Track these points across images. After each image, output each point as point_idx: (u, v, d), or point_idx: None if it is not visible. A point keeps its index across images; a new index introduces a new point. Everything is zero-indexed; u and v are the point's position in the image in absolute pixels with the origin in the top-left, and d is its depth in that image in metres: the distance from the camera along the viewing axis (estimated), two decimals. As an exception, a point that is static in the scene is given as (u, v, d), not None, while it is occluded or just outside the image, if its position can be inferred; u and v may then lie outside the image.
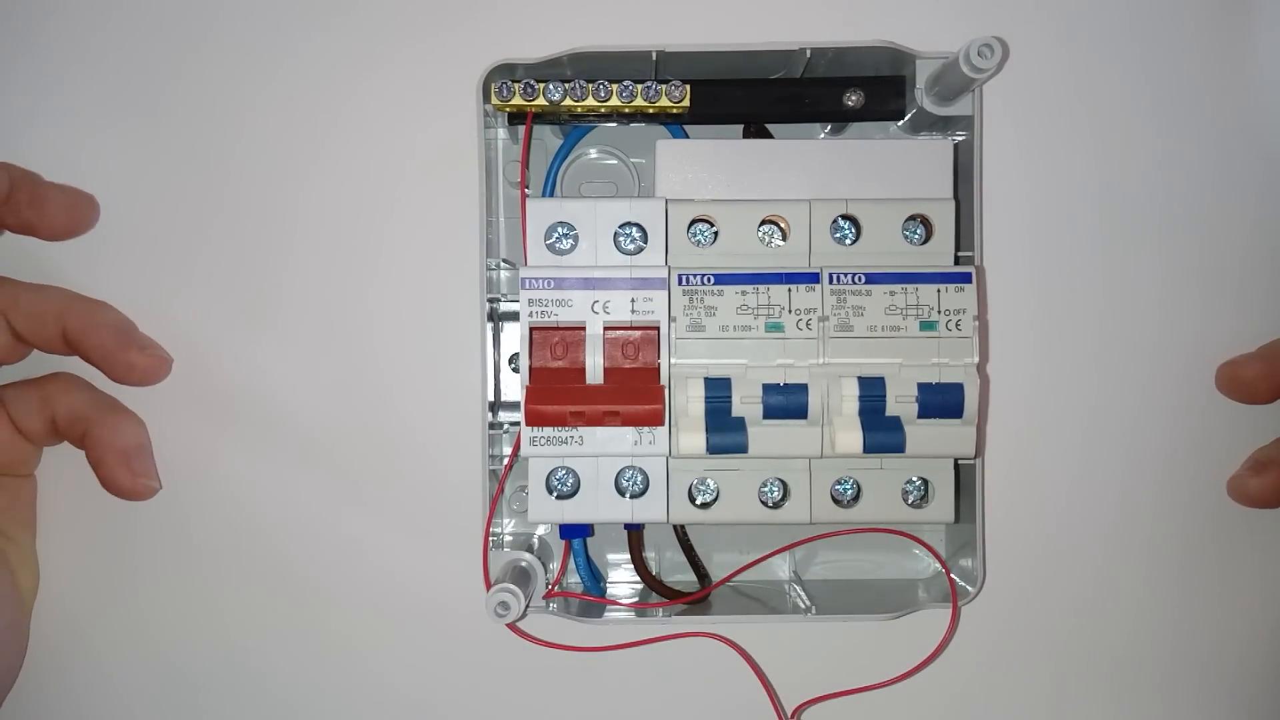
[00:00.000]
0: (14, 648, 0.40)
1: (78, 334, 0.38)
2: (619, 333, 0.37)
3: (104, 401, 0.39)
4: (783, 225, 0.38)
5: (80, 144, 0.41)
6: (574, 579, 0.41)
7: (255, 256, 0.41)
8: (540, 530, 0.42)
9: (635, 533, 0.40)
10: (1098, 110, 0.42)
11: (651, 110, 0.38)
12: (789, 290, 0.37)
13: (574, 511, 0.38)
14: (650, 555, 0.42)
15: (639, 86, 0.37)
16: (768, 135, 0.40)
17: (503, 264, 0.41)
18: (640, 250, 0.38)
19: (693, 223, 0.38)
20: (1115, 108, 0.42)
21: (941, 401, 0.37)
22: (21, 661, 0.40)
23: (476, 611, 0.38)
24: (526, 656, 0.40)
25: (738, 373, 0.37)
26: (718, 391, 0.37)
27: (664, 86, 0.38)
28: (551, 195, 0.40)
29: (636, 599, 0.41)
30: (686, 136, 0.40)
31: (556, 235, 0.38)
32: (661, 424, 0.37)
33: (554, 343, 0.37)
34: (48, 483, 0.41)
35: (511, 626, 0.38)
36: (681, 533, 0.41)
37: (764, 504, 0.38)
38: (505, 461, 0.39)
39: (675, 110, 0.38)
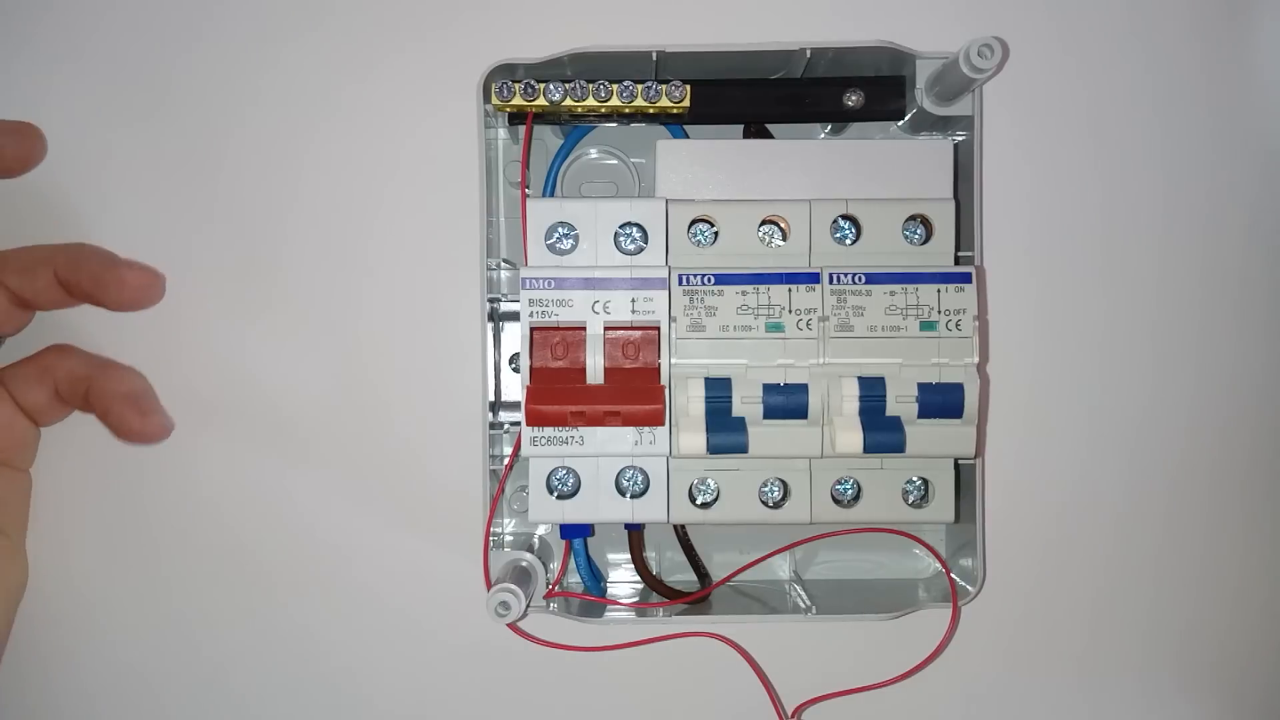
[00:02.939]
0: None
1: (68, 272, 0.38)
2: (619, 333, 0.37)
3: (101, 360, 0.40)
4: (783, 225, 0.38)
5: (82, 138, 0.41)
6: (574, 579, 0.41)
7: (255, 256, 0.41)
8: (541, 530, 0.42)
9: (636, 533, 0.40)
10: (1097, 110, 0.42)
11: (652, 110, 0.38)
12: (789, 290, 0.37)
13: (574, 511, 0.38)
14: (650, 555, 0.42)
15: (639, 86, 0.37)
16: (768, 135, 0.40)
17: (503, 264, 0.41)
18: (640, 250, 0.38)
19: (693, 223, 0.38)
20: (1115, 107, 0.42)
21: (941, 401, 0.37)
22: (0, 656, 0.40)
23: (477, 611, 0.38)
24: (527, 656, 0.40)
25: (738, 373, 0.37)
26: (718, 391, 0.37)
27: (664, 86, 0.38)
28: (552, 195, 0.40)
29: (637, 599, 0.41)
30: (687, 136, 0.40)
31: (557, 235, 0.38)
32: (662, 424, 0.37)
33: (554, 343, 0.37)
34: (45, 483, 0.41)
35: (512, 626, 0.38)
36: (682, 533, 0.41)
37: (764, 504, 0.39)
38: (506, 461, 0.39)
39: (675, 110, 0.38)
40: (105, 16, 0.41)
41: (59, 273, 0.38)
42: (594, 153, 0.41)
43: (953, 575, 0.40)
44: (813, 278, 0.37)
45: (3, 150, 0.39)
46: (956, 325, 0.37)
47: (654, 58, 0.38)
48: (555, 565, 0.41)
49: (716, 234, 0.38)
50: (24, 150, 0.40)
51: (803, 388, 0.37)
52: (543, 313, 0.37)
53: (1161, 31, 0.42)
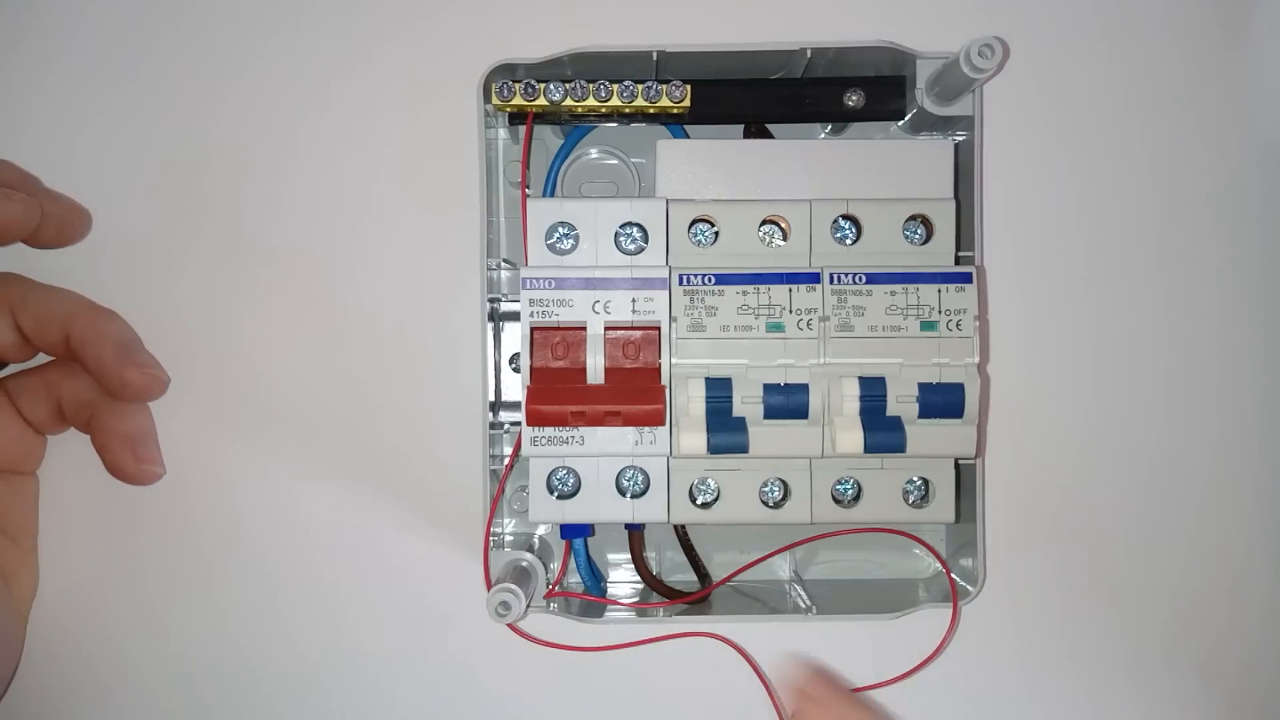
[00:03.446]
0: (5, 653, 0.39)
1: (79, 342, 0.38)
2: (620, 333, 0.37)
3: None
4: (783, 225, 0.38)
5: (79, 134, 0.41)
6: (575, 579, 0.41)
7: (256, 256, 0.41)
8: (541, 530, 0.42)
9: (636, 533, 0.40)
10: (1098, 110, 0.42)
11: (652, 110, 0.38)
12: (790, 290, 0.37)
13: (575, 511, 0.38)
14: (651, 555, 0.42)
15: (640, 86, 0.37)
16: (768, 135, 0.40)
17: (503, 264, 0.41)
18: (641, 250, 0.38)
19: (693, 223, 0.38)
20: (1115, 108, 0.42)
21: (942, 401, 0.37)
22: (15, 665, 0.40)
23: (477, 611, 0.38)
24: (527, 656, 0.40)
25: (738, 373, 0.37)
26: (718, 391, 0.37)
27: (664, 86, 0.38)
28: (552, 195, 0.40)
29: (637, 599, 0.41)
30: (687, 136, 0.40)
31: (557, 235, 0.38)
32: (662, 424, 0.37)
33: (555, 343, 0.37)
34: (49, 484, 0.41)
35: (512, 626, 0.38)
36: (682, 532, 0.41)
37: (764, 504, 0.39)
38: (506, 461, 0.39)
39: (676, 110, 0.38)
40: (103, 12, 0.41)
41: (71, 340, 0.38)
42: (594, 153, 0.41)
43: (953, 575, 0.40)
44: (813, 278, 0.37)
45: (46, 219, 0.38)
46: (957, 325, 0.37)
47: (654, 58, 0.38)
48: (555, 565, 0.41)
49: (717, 234, 0.38)
50: (65, 233, 0.40)
51: (803, 388, 0.37)
52: (543, 313, 0.37)
53: (1163, 31, 0.42)
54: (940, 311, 0.37)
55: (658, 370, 0.37)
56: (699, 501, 0.39)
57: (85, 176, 0.41)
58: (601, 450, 0.38)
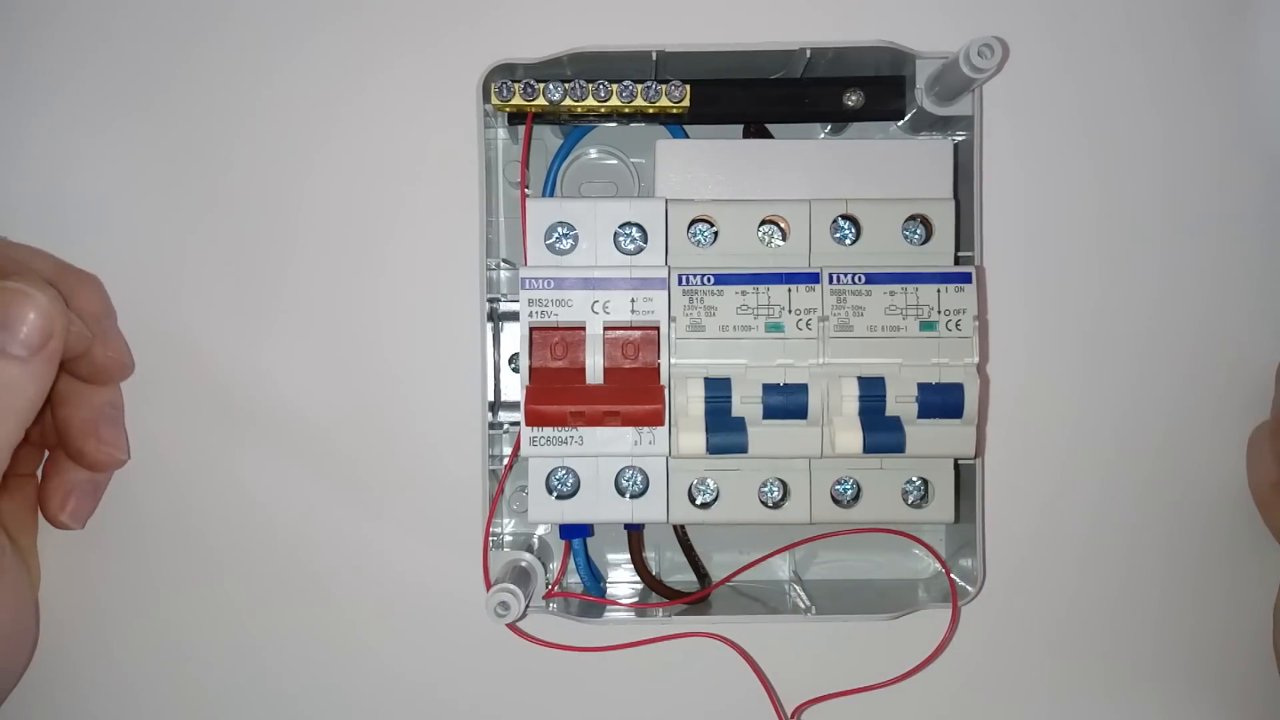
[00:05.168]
0: (24, 643, 0.40)
1: (60, 395, 0.38)
2: (619, 333, 0.37)
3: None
4: (783, 225, 0.38)
5: (82, 141, 0.41)
6: (574, 579, 0.41)
7: (257, 256, 0.41)
8: (540, 530, 0.42)
9: (635, 533, 0.40)
10: (1097, 110, 0.42)
11: (651, 110, 0.38)
12: (789, 290, 0.37)
13: (574, 511, 0.38)
14: (650, 555, 0.42)
15: (639, 86, 0.37)
16: (768, 135, 0.40)
17: (503, 264, 0.41)
18: (640, 250, 0.38)
19: (693, 223, 0.38)
20: (1115, 107, 0.42)
21: (941, 401, 0.37)
22: (30, 657, 0.40)
23: (477, 611, 0.38)
24: (526, 656, 0.40)
25: (738, 373, 0.37)
26: (718, 391, 0.37)
27: (664, 86, 0.38)
28: (551, 195, 0.40)
29: (636, 599, 0.41)
30: (686, 136, 0.40)
31: (556, 235, 0.38)
32: (661, 424, 0.37)
33: (554, 343, 0.37)
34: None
35: (511, 626, 0.38)
36: (681, 533, 0.41)
37: (764, 504, 0.38)
38: (505, 461, 0.39)
39: (675, 110, 0.38)
40: (108, 24, 0.41)
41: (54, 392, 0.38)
42: (594, 153, 0.41)
43: (952, 575, 0.40)
44: (812, 278, 0.37)
45: (91, 362, 0.38)
46: (956, 325, 0.37)
47: (654, 57, 0.38)
48: (555, 565, 0.41)
49: (716, 234, 0.38)
50: (100, 376, 0.39)
51: (802, 388, 0.37)
52: (542, 313, 0.37)
53: (1162, 31, 0.42)
54: (940, 311, 0.37)
55: (657, 370, 0.37)
56: (698, 501, 0.39)
57: (85, 175, 0.41)
58: (601, 450, 0.38)
